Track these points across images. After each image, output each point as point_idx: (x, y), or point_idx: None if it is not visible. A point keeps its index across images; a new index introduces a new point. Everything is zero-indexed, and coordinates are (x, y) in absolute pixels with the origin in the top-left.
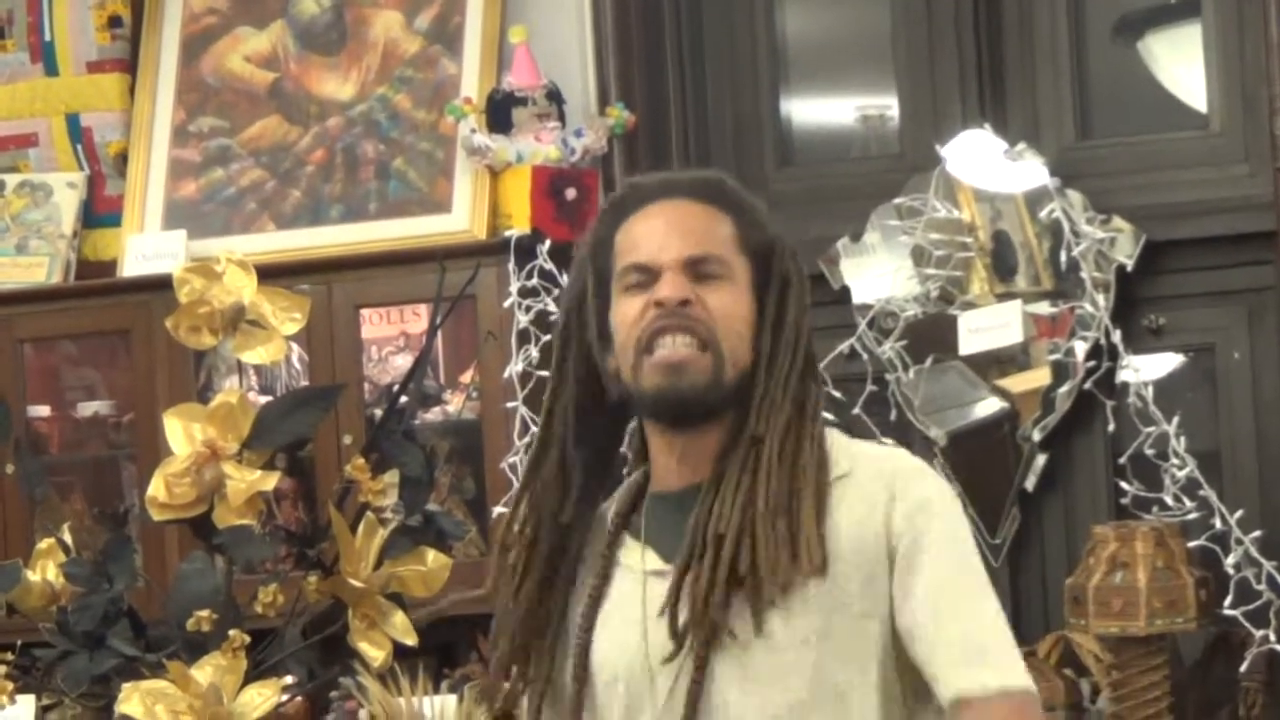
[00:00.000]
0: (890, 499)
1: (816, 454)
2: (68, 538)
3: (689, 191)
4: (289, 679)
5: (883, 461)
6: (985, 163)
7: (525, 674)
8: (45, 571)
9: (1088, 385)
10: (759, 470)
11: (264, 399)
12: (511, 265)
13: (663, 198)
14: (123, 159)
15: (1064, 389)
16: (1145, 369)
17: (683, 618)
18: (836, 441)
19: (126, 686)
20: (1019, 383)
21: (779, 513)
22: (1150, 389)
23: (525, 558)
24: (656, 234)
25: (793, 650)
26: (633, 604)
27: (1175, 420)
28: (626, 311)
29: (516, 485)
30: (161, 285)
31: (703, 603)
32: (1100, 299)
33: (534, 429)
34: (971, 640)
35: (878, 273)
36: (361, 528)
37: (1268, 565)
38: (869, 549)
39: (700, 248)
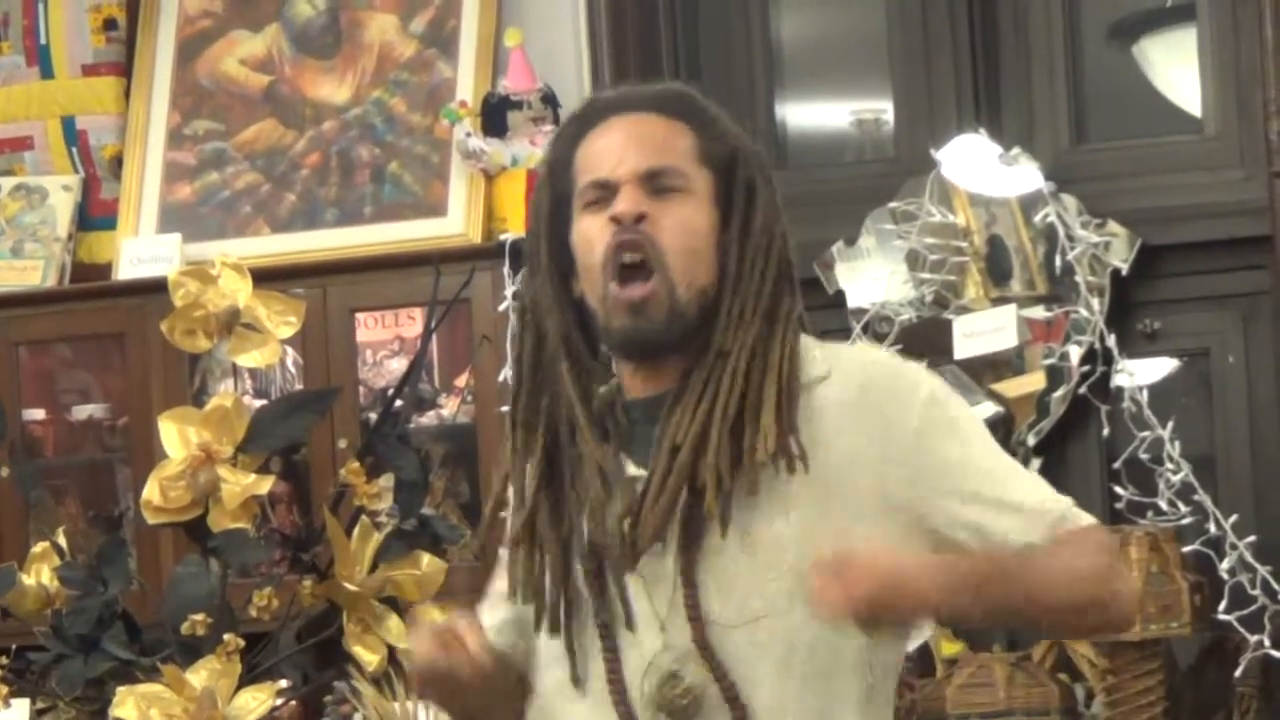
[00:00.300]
0: (889, 396)
1: (788, 362)
2: (62, 541)
3: (647, 104)
4: (284, 683)
5: (867, 366)
6: (980, 167)
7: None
8: (40, 575)
9: (1082, 390)
10: (722, 382)
11: (259, 402)
12: (506, 269)
13: (621, 112)
14: (118, 162)
15: (1058, 393)
16: (1140, 373)
17: (651, 529)
18: (810, 345)
19: (121, 690)
20: (1013, 387)
21: (738, 417)
22: (1145, 393)
23: (538, 467)
24: (614, 149)
25: (773, 550)
26: (618, 507)
27: (1170, 425)
28: (587, 230)
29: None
30: (156, 288)
31: (662, 517)
32: (1095, 303)
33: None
34: (1032, 505)
35: (872, 276)
36: (356, 531)
37: (1262, 570)
38: (871, 455)
39: (656, 160)
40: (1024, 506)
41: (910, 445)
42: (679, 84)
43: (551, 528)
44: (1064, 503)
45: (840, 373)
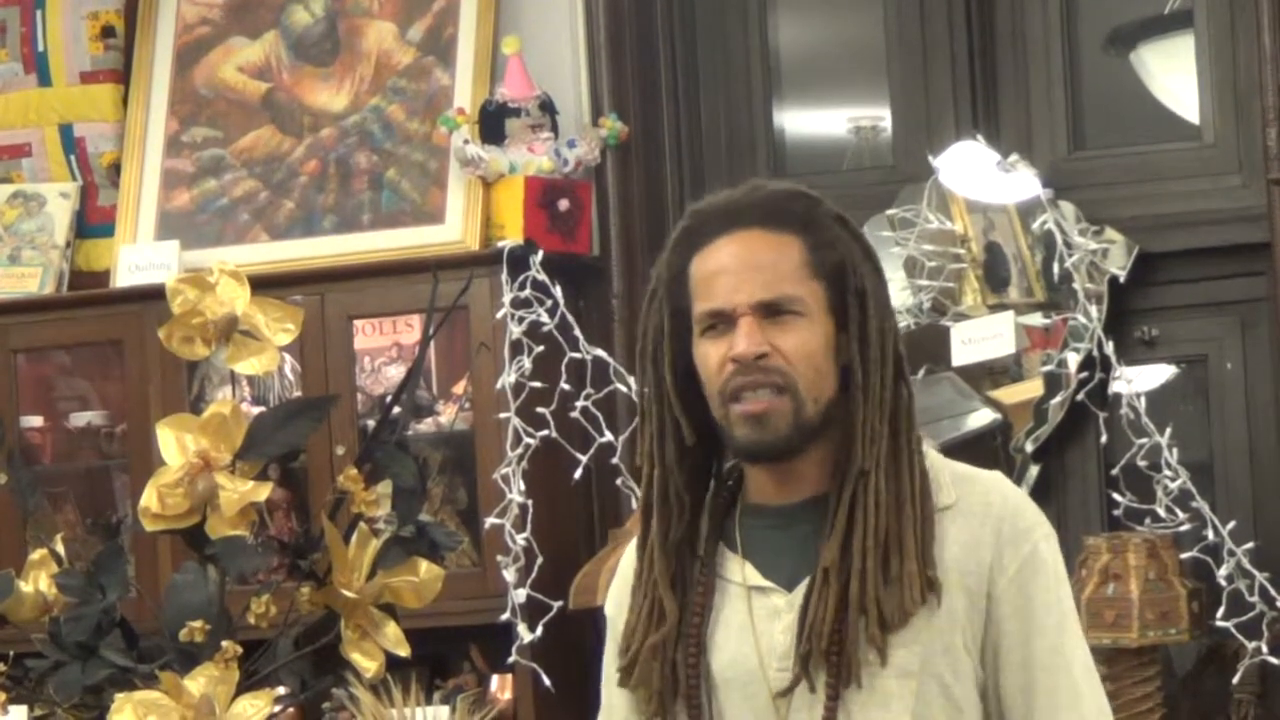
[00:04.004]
0: (998, 543)
1: (919, 483)
2: (60, 548)
3: (756, 219)
4: (281, 690)
5: (990, 494)
6: (978, 174)
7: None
8: (38, 582)
9: (1080, 396)
10: (866, 504)
11: (257, 410)
12: (504, 276)
13: (731, 229)
14: (116, 169)
15: (1056, 400)
16: (1138, 380)
17: (806, 648)
18: (937, 466)
19: (119, 697)
20: (1011, 394)
21: (888, 549)
22: (1143, 400)
23: (654, 581)
24: (728, 275)
25: (894, 679)
26: (741, 616)
27: (1168, 432)
28: (707, 358)
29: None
30: (154, 296)
31: (828, 640)
32: (1093, 310)
33: (527, 440)
34: (1064, 700)
35: None
36: (354, 538)
37: (1260, 577)
38: (972, 584)
39: (770, 290)
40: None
41: (1001, 585)
42: (787, 185)
43: (676, 646)
44: None
45: (966, 503)
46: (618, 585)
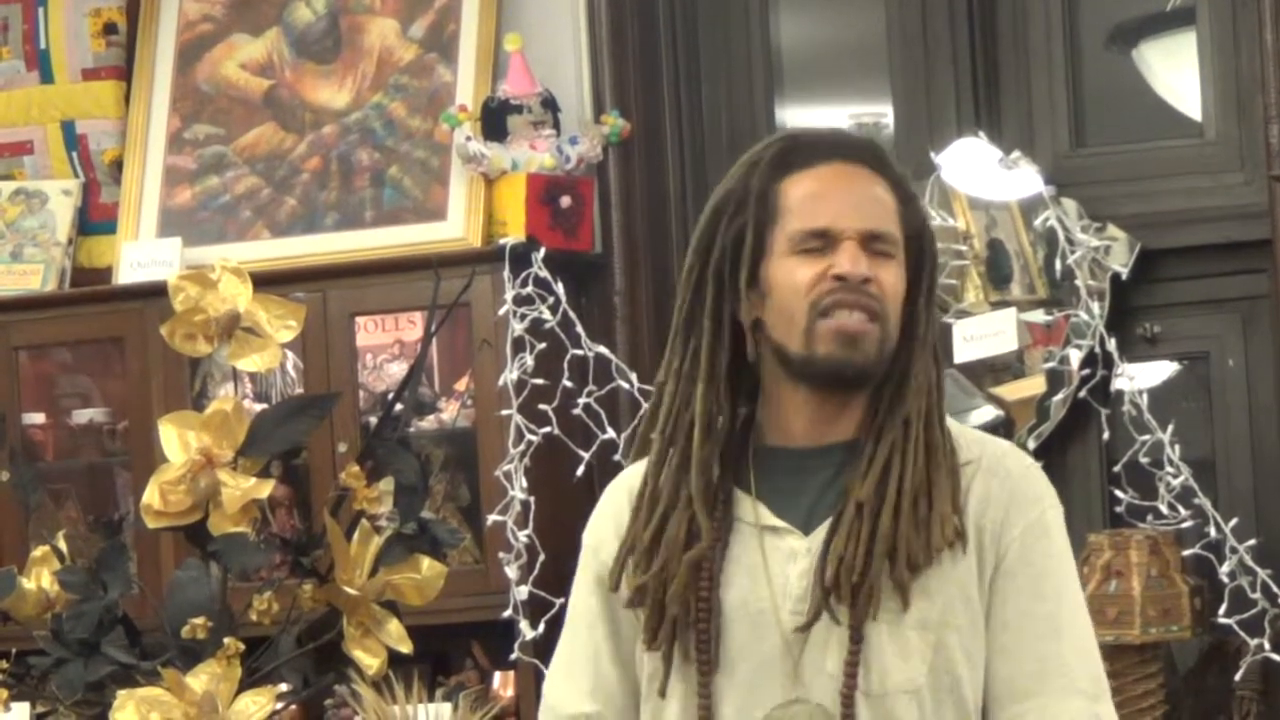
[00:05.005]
0: (1009, 501)
1: (948, 439)
2: (62, 545)
3: (859, 155)
4: (284, 687)
5: (1005, 456)
6: (980, 171)
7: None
8: (40, 579)
9: (1082, 393)
10: (906, 450)
11: (259, 406)
12: (506, 273)
13: (833, 158)
14: (118, 166)
15: (1058, 397)
16: (1140, 377)
17: (831, 583)
18: (956, 429)
19: (121, 694)
20: (1014, 391)
21: (920, 493)
22: (1145, 397)
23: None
24: (836, 199)
25: (915, 631)
26: (752, 555)
27: (1170, 428)
28: (798, 275)
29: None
30: (156, 293)
31: (859, 575)
32: (1095, 307)
33: (529, 437)
34: (1052, 668)
35: None
36: (356, 535)
37: (1262, 573)
38: (985, 539)
39: (879, 223)
40: (1047, 674)
41: (1004, 543)
42: (869, 138)
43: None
44: (1092, 701)
45: (987, 461)
46: (604, 516)
